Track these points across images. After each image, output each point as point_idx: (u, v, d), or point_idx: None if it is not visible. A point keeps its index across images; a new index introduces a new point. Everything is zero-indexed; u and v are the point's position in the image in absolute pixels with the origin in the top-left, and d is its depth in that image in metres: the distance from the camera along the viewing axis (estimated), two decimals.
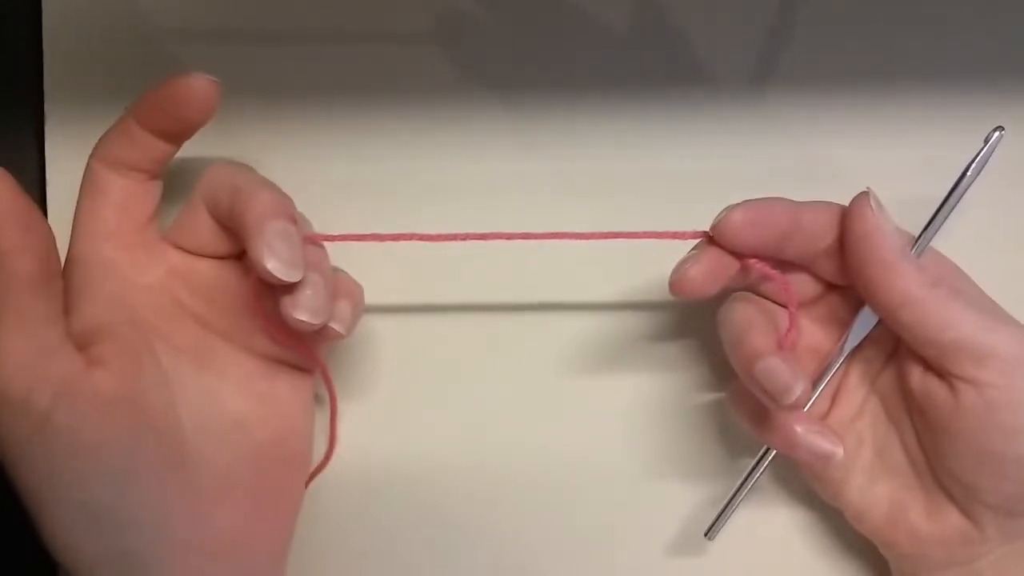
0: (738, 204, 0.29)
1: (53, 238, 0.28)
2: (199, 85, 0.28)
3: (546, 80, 0.34)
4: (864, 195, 0.28)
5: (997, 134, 0.29)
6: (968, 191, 0.29)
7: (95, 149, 0.30)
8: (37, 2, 0.35)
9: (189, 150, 0.30)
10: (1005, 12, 0.33)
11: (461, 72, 0.35)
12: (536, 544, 0.35)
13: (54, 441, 0.26)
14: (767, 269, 0.29)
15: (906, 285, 0.28)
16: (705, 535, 0.32)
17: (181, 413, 0.30)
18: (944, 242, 0.30)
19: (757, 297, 0.31)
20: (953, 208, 0.29)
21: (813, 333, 0.32)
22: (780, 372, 0.27)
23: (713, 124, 0.34)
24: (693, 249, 0.30)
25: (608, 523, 0.35)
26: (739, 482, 0.32)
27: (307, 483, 0.34)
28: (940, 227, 0.29)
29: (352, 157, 0.35)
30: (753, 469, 0.32)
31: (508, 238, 0.30)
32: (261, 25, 0.35)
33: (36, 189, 0.35)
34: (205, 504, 0.30)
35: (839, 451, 0.29)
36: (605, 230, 0.30)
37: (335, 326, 0.29)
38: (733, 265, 0.29)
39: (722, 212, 0.29)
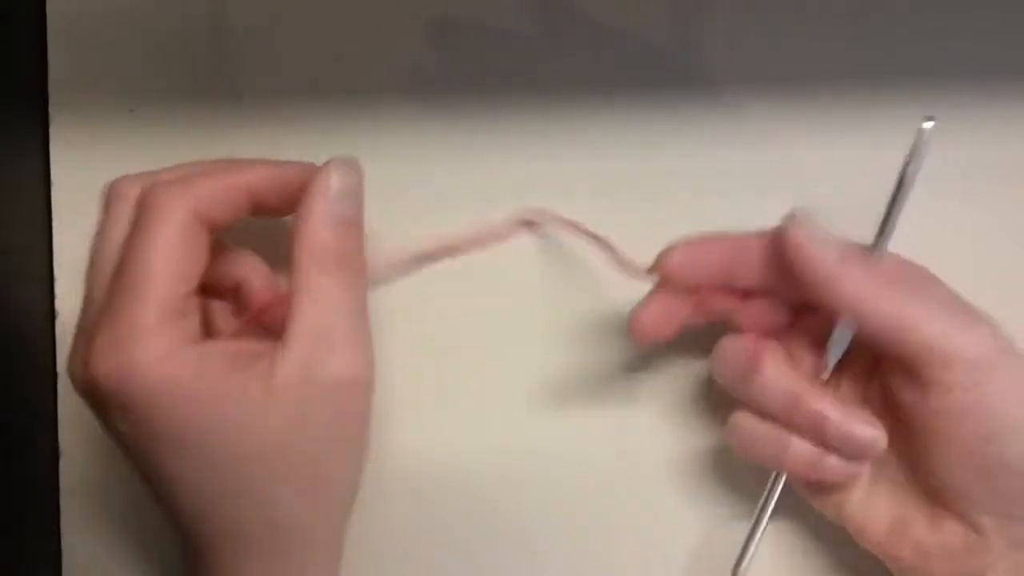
0: (673, 246, 0.29)
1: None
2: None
3: (550, 81, 0.35)
4: (787, 218, 0.29)
5: (929, 124, 0.27)
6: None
7: (185, 190, 0.27)
8: (41, 2, 0.35)
9: (184, 154, 0.30)
10: (986, 13, 0.33)
11: (464, 73, 0.35)
12: (539, 535, 0.35)
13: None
14: (719, 297, 0.30)
15: (854, 289, 0.28)
16: None
17: None
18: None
19: None
20: (900, 210, 0.29)
21: (803, 358, 0.31)
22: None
23: (715, 124, 0.35)
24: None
25: (617, 526, 0.35)
26: (755, 516, 0.31)
27: None
28: (892, 230, 0.29)
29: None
30: (766, 501, 0.31)
31: None
32: (263, 25, 0.35)
33: (41, 191, 0.35)
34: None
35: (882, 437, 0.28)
36: (607, 229, 0.31)
37: None
38: (686, 302, 0.30)
39: (659, 256, 0.30)
